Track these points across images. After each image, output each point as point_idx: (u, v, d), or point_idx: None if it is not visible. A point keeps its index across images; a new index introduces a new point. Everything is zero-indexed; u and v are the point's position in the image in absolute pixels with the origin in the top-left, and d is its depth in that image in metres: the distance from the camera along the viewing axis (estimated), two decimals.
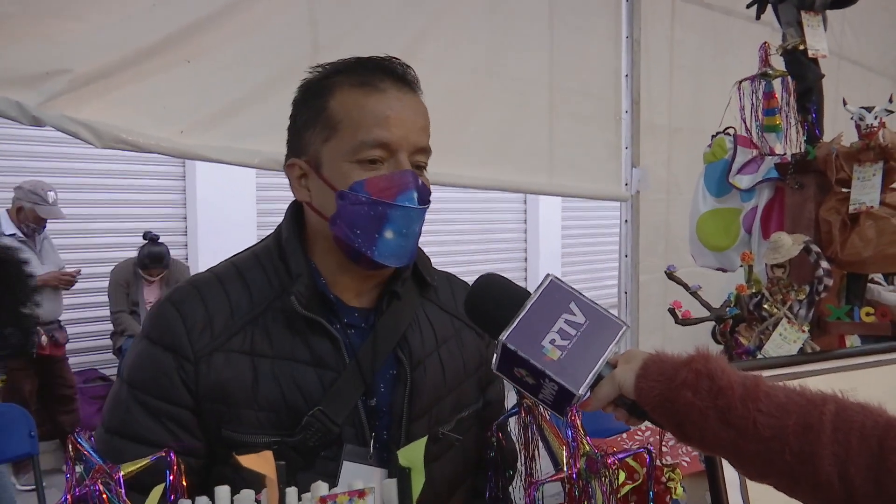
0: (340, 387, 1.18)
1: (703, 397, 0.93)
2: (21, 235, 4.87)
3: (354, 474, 1.14)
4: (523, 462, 1.28)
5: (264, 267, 1.24)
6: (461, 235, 8.13)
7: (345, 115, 1.17)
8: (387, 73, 1.20)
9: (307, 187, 1.23)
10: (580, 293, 1.06)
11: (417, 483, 0.87)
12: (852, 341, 2.07)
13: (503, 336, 1.01)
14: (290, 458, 1.12)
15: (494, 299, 1.09)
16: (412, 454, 0.87)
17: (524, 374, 1.02)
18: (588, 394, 1.02)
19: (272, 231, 1.31)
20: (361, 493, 0.79)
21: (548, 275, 1.07)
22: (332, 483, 1.12)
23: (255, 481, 0.80)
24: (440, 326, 1.34)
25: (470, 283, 1.47)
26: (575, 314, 1.03)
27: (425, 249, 1.38)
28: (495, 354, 1.04)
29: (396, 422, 1.22)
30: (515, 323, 1.02)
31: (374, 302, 1.28)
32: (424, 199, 1.20)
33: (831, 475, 0.84)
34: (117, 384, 1.20)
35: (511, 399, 1.35)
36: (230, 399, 1.14)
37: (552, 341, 1.00)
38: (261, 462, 0.76)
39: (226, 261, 1.28)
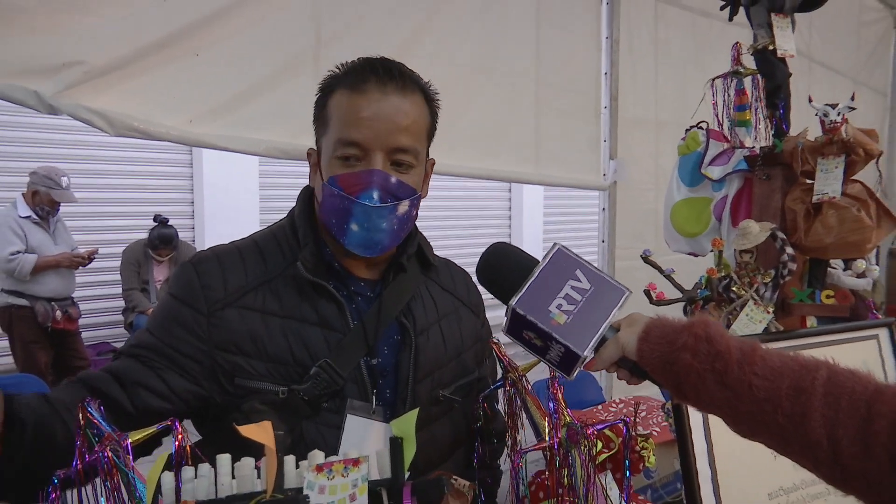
0: (345, 344, 1.21)
1: (701, 360, 0.93)
2: (36, 217, 4.85)
3: (358, 427, 1.18)
4: (508, 432, 1.27)
5: (279, 241, 1.28)
6: (449, 221, 8.13)
7: (333, 114, 1.21)
8: (372, 73, 1.20)
9: (315, 174, 1.28)
10: (585, 261, 1.05)
11: (409, 452, 0.86)
12: (812, 322, 2.08)
13: (513, 301, 1.02)
14: (298, 405, 1.16)
15: (505, 266, 1.09)
16: (404, 425, 0.87)
17: (532, 337, 1.02)
18: (593, 355, 1.02)
19: (274, 213, 1.33)
20: (356, 462, 0.78)
21: (555, 243, 1.07)
22: (336, 433, 1.17)
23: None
24: (441, 302, 1.38)
25: (466, 269, 1.50)
26: (580, 280, 1.03)
27: None
28: (505, 318, 1.05)
29: (403, 382, 1.25)
30: (524, 289, 1.02)
31: (381, 274, 1.32)
32: (396, 196, 1.19)
33: (821, 436, 0.84)
34: (139, 330, 1.25)
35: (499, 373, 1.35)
36: (242, 350, 1.17)
37: (559, 306, 1.01)
38: (260, 432, 0.75)
39: (248, 236, 1.32)
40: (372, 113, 1.17)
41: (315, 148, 1.28)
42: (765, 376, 0.89)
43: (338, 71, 1.25)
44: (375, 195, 1.17)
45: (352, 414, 1.18)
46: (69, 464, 0.92)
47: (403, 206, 1.21)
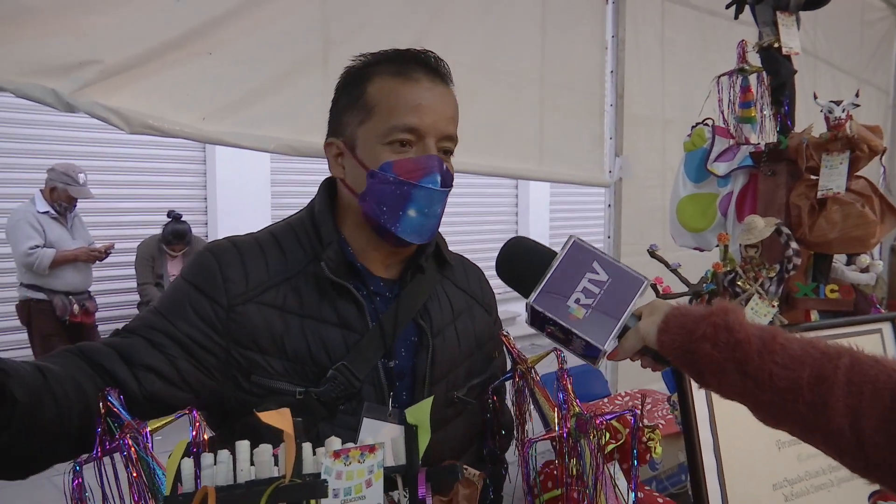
0: (363, 346, 1.17)
1: (721, 349, 0.91)
2: (54, 213, 4.87)
3: (374, 430, 1.13)
4: (517, 423, 1.28)
5: (298, 236, 1.23)
6: (457, 218, 8.14)
7: (380, 101, 1.17)
8: (421, 64, 1.19)
9: (342, 165, 1.23)
10: (602, 252, 1.04)
11: (423, 439, 0.87)
12: (816, 316, 2.07)
13: (531, 298, 1.01)
14: (314, 407, 1.13)
15: (523, 261, 1.08)
16: (419, 413, 0.87)
17: (554, 330, 1.02)
18: (616, 344, 1.01)
19: (285, 209, 1.31)
20: (372, 448, 0.79)
21: (570, 236, 1.05)
22: (352, 436, 1.13)
23: (277, 431, 0.79)
24: (456, 301, 1.34)
25: (478, 265, 1.48)
26: (598, 273, 1.02)
27: None
28: (527, 313, 1.04)
29: (420, 384, 1.22)
30: (542, 285, 1.01)
31: (400, 274, 1.28)
32: (447, 182, 1.19)
33: (843, 425, 0.81)
34: (145, 310, 1.18)
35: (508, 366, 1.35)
36: (260, 347, 1.13)
37: (577, 300, 1.00)
38: (279, 418, 0.75)
39: (264, 229, 1.27)
40: (427, 101, 1.16)
41: (335, 139, 1.23)
42: (785, 365, 0.86)
43: (364, 59, 1.22)
44: (439, 179, 1.16)
45: (368, 417, 1.14)
46: (52, 444, 0.90)
47: (449, 194, 1.21)
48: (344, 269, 1.20)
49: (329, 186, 1.28)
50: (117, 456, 0.82)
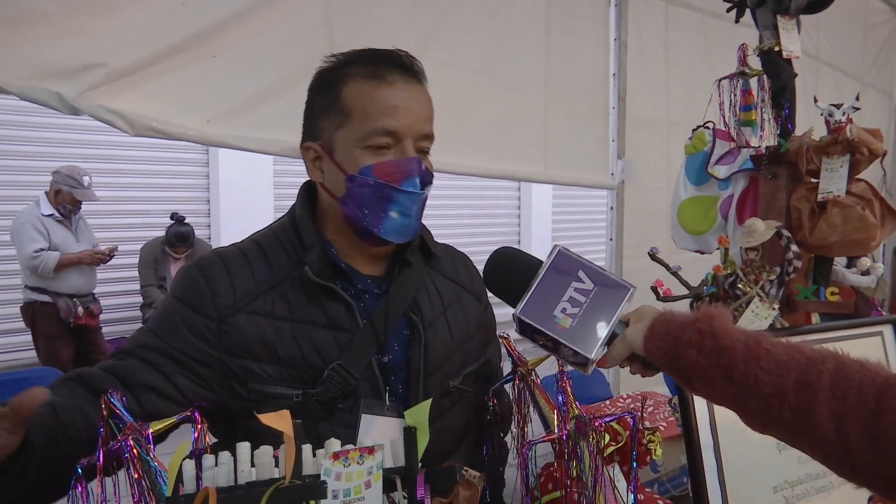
0: (356, 344, 1.18)
1: (706, 356, 0.90)
2: (58, 216, 4.88)
3: (372, 425, 1.15)
4: (517, 425, 1.28)
5: (282, 242, 1.24)
6: (460, 220, 8.15)
7: (356, 105, 1.17)
8: (395, 65, 1.19)
9: (321, 169, 1.23)
10: (587, 260, 1.04)
11: (422, 441, 0.87)
12: (817, 318, 2.07)
13: (517, 309, 1.01)
14: (313, 408, 1.14)
15: (510, 271, 1.08)
16: (418, 415, 0.88)
17: (543, 340, 1.02)
18: (605, 351, 1.02)
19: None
20: (371, 450, 0.79)
21: (555, 245, 1.06)
22: (352, 433, 1.13)
23: (278, 434, 0.80)
24: (445, 292, 1.35)
25: (468, 256, 1.49)
26: (583, 281, 1.02)
27: None
28: (514, 323, 1.04)
29: (414, 377, 1.23)
30: (528, 296, 1.01)
31: (386, 270, 1.29)
32: (427, 182, 1.20)
33: (828, 430, 0.80)
34: (139, 330, 1.19)
35: (507, 366, 1.36)
36: (254, 355, 1.14)
37: (563, 310, 1.00)
38: (279, 420, 0.76)
39: (248, 238, 1.27)
40: (403, 103, 1.17)
41: (312, 143, 1.23)
42: (770, 371, 0.86)
43: (336, 60, 1.22)
44: (418, 181, 1.17)
45: (366, 413, 1.16)
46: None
47: (428, 193, 1.22)
48: (329, 270, 1.20)
49: (309, 190, 1.29)
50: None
